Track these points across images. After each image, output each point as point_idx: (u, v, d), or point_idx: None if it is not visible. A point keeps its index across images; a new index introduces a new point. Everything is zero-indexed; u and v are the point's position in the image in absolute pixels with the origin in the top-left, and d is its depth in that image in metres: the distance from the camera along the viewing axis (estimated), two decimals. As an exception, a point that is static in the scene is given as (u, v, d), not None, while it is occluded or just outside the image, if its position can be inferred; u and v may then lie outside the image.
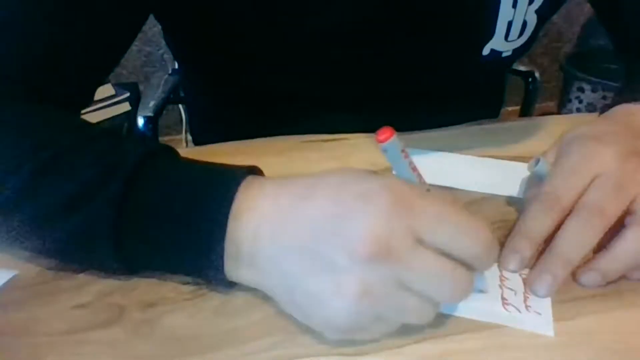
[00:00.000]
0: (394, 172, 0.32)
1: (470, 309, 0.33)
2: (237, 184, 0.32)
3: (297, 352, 0.31)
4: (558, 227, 0.36)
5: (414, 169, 0.31)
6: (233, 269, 0.32)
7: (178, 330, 0.32)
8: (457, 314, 0.33)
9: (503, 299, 0.34)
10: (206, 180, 0.33)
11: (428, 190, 0.31)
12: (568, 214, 0.36)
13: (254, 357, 0.30)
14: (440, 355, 0.30)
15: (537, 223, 0.37)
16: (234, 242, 0.31)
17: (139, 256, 0.34)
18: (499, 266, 0.37)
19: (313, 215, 0.30)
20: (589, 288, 0.35)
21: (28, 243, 0.36)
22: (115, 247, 0.32)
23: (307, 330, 0.31)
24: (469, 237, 0.29)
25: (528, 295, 0.34)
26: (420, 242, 0.28)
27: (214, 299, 0.34)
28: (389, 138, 0.30)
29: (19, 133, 0.37)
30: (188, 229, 0.32)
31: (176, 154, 0.36)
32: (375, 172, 0.31)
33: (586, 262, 0.35)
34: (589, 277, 0.35)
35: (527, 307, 0.33)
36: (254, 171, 0.35)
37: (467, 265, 0.29)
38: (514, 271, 0.36)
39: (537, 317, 0.33)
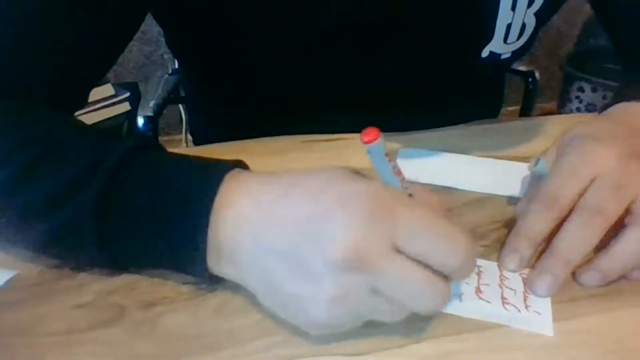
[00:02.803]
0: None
1: (469, 308, 0.33)
2: (219, 179, 0.32)
3: (297, 352, 0.31)
4: (558, 227, 0.36)
5: (398, 172, 0.30)
6: (215, 264, 0.32)
7: (178, 330, 0.32)
8: (455, 313, 0.33)
9: (503, 298, 0.34)
10: (189, 174, 0.33)
11: (410, 195, 0.31)
12: (568, 214, 0.36)
13: (254, 357, 0.30)
14: (440, 355, 0.30)
15: (537, 223, 0.37)
16: (215, 237, 0.31)
17: (122, 250, 0.34)
18: (499, 266, 0.37)
19: (292, 216, 0.30)
20: (589, 288, 0.35)
21: (15, 237, 0.36)
22: (99, 240, 0.32)
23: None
24: (448, 247, 0.28)
25: (528, 295, 0.34)
26: (397, 250, 0.28)
27: (214, 299, 0.34)
28: (375, 140, 0.28)
29: (8, 128, 0.38)
30: (170, 224, 0.32)
31: (162, 148, 0.36)
32: (358, 173, 0.31)
33: (586, 262, 0.35)
34: (589, 277, 0.35)
35: (526, 306, 0.33)
36: (239, 165, 0.34)
37: (445, 275, 0.29)
38: (513, 271, 0.36)
39: (536, 317, 0.33)
